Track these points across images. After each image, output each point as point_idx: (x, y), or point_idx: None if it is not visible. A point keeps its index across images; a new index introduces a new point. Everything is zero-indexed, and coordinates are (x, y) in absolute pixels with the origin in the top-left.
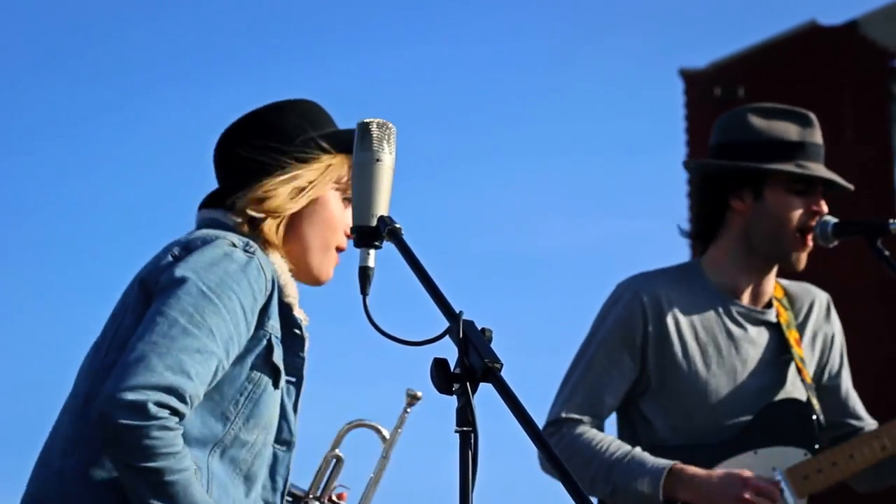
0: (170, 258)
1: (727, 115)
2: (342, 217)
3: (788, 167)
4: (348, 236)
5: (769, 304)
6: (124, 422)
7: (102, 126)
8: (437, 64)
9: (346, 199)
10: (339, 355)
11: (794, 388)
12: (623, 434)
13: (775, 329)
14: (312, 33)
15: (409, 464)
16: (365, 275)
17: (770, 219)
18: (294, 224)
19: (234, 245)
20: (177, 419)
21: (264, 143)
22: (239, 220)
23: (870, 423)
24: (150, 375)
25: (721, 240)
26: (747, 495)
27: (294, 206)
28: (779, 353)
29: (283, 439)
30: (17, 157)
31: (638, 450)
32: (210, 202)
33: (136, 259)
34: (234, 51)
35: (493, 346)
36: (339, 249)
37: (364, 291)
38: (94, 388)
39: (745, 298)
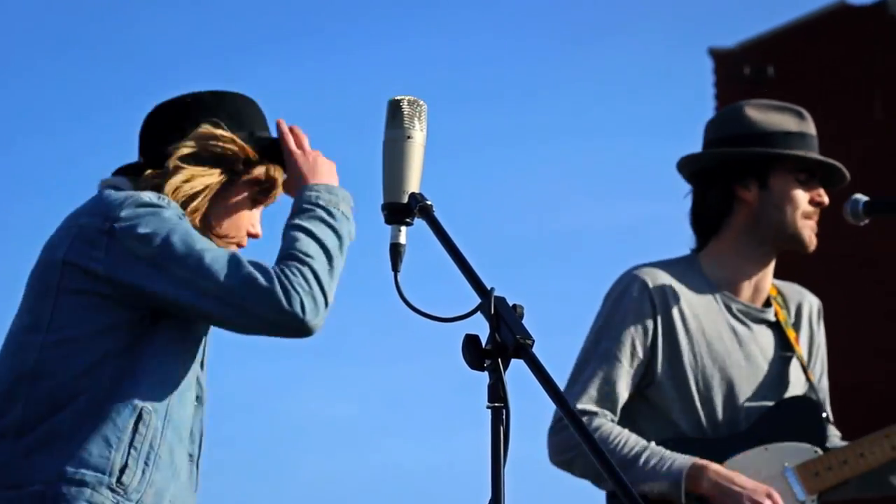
0: (108, 234)
1: (722, 112)
2: (248, 217)
3: (799, 153)
4: (250, 235)
5: (767, 303)
6: (265, 287)
7: (104, 117)
8: (464, 48)
9: (254, 201)
10: (370, 333)
11: (797, 385)
12: (624, 423)
13: (776, 328)
14: (337, 21)
15: (441, 440)
16: (396, 252)
17: (778, 206)
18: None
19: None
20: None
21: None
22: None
23: (834, 435)
24: (235, 271)
25: (725, 232)
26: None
27: (203, 206)
28: (781, 351)
29: (197, 395)
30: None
31: (654, 446)
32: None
33: None
34: (247, 35)
35: (524, 322)
36: (238, 246)
37: (395, 268)
38: (44, 364)
39: (745, 295)
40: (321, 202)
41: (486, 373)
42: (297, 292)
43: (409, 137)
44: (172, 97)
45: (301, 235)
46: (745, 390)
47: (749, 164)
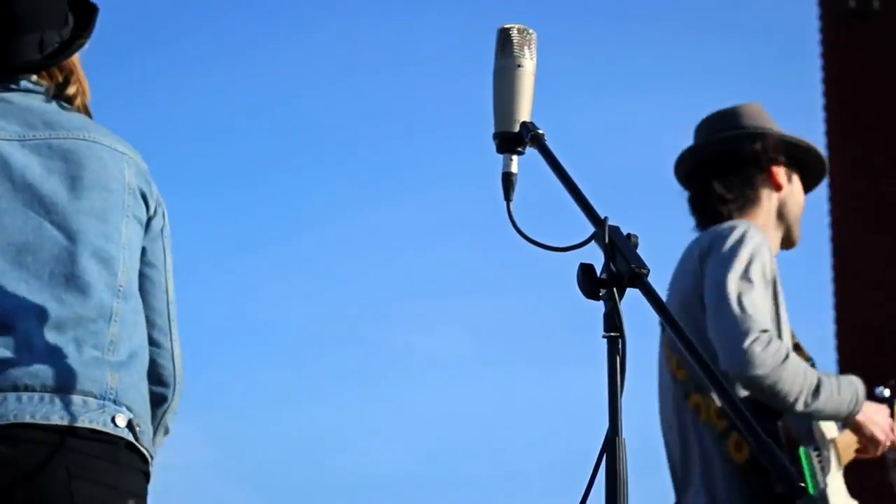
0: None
1: (738, 108)
2: None
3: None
4: None
5: None
6: None
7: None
8: None
9: None
10: (482, 264)
11: None
12: None
13: None
14: None
15: (556, 372)
16: (508, 180)
17: (797, 202)
18: None
19: None
20: None
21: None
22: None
23: None
24: None
25: (758, 210)
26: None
27: None
28: None
29: None
30: None
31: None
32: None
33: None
34: None
35: (638, 251)
36: None
37: (508, 197)
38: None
39: None
40: None
41: (601, 302)
42: None
43: (518, 66)
44: None
45: None
46: None
47: (793, 155)
